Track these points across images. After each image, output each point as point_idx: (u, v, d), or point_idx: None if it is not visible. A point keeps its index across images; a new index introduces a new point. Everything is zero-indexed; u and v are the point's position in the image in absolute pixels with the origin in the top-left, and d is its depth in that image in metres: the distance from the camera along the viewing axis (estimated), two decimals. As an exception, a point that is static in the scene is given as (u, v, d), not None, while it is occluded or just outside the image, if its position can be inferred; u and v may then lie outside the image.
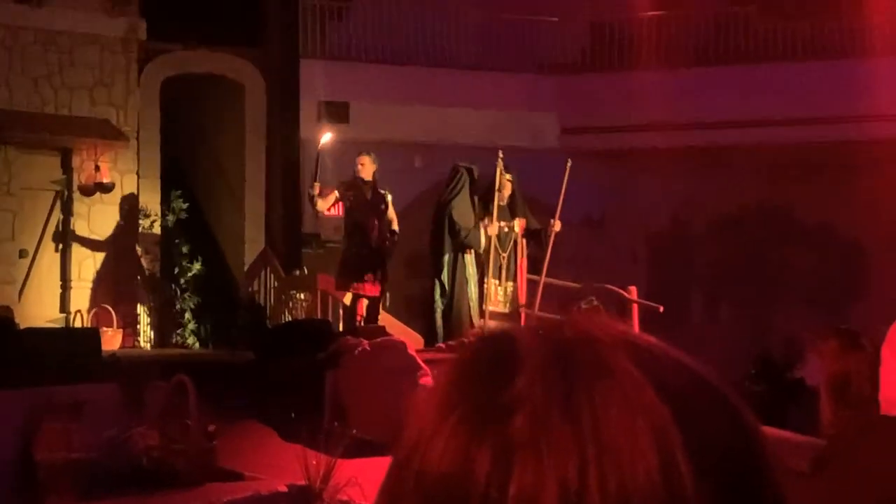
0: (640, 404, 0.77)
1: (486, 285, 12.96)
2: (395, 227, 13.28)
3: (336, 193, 13.26)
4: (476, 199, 13.16)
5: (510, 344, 0.82)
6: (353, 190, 13.16)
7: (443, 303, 13.05)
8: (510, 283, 13.26)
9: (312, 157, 13.93)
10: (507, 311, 13.07)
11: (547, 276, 13.28)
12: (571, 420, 0.76)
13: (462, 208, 13.03)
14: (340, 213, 14.17)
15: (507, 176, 13.22)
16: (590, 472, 0.74)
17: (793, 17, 19.10)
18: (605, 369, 0.78)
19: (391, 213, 13.27)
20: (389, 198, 13.28)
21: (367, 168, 13.13)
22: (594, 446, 0.75)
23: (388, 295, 13.51)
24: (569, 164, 13.00)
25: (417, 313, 14.04)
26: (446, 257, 13.03)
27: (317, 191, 13.07)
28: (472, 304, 12.99)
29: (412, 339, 12.26)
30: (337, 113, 18.03)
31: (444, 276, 13.03)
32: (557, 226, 13.11)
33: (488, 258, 12.95)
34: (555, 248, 13.23)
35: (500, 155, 13.01)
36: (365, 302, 13.24)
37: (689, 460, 0.75)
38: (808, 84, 18.34)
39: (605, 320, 0.83)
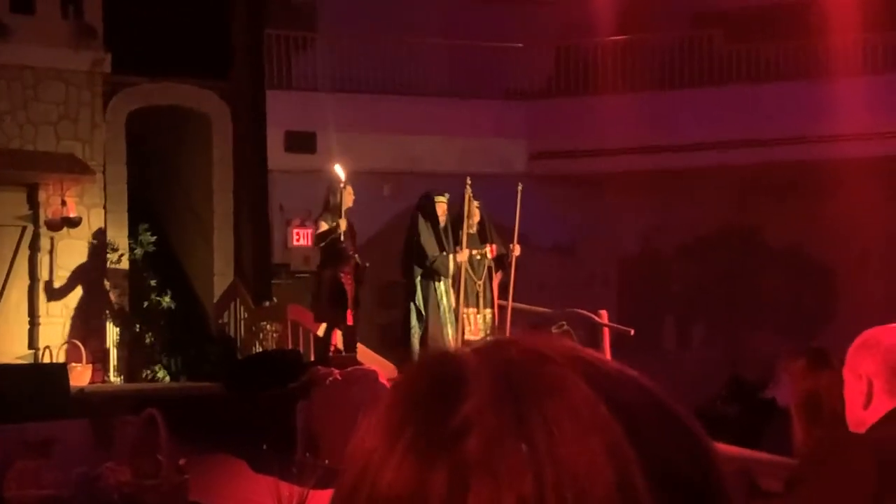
0: (593, 420, 0.75)
1: (463, 314, 12.92)
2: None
3: (343, 223, 12.90)
4: (445, 226, 13.11)
5: (454, 366, 0.80)
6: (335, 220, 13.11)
7: (420, 328, 12.97)
8: (488, 311, 13.23)
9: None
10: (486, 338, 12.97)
11: (518, 301, 13.25)
12: (525, 438, 0.75)
13: (427, 235, 13.00)
14: (309, 243, 14.11)
15: (475, 203, 13.22)
16: (547, 489, 0.73)
17: (757, 40, 19.22)
18: (556, 386, 0.77)
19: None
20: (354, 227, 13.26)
21: (352, 197, 13.06)
22: (550, 463, 0.74)
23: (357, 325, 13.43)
24: (520, 188, 13.01)
25: (389, 342, 13.99)
26: (418, 280, 13.00)
27: (322, 227, 12.93)
28: (448, 332, 12.91)
29: (384, 368, 12.22)
30: (304, 143, 17.99)
31: (418, 300, 12.98)
32: (517, 250, 13.08)
33: (466, 286, 12.91)
34: (525, 273, 13.20)
35: (468, 182, 12.99)
36: (339, 332, 13.19)
37: (644, 476, 0.74)
38: (773, 105, 18.43)
39: (553, 337, 0.82)
